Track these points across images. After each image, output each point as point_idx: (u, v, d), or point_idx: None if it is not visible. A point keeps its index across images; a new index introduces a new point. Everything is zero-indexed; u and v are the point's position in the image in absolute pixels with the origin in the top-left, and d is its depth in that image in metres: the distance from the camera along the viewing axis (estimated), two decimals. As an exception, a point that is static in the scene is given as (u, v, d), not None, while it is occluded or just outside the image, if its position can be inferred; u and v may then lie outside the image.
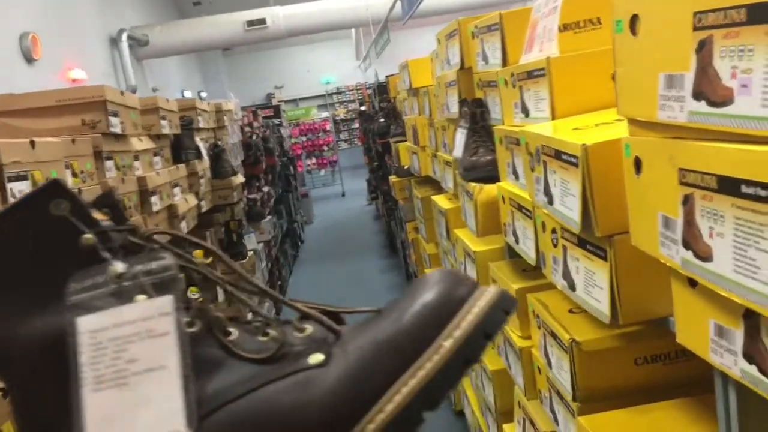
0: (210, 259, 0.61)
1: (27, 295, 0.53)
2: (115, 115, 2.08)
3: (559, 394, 1.48)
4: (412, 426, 0.52)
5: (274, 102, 14.62)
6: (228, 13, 10.18)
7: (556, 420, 1.55)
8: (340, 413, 0.51)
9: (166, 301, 0.52)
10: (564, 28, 1.45)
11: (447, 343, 0.52)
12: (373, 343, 0.53)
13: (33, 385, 0.52)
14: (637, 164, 0.89)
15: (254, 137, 6.09)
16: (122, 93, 2.21)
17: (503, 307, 0.54)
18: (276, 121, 9.60)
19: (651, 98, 0.82)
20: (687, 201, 0.77)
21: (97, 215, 0.55)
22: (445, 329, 0.52)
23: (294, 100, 18.25)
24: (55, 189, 0.53)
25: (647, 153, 0.86)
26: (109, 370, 0.51)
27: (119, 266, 0.52)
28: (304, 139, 15.72)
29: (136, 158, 2.35)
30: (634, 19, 0.85)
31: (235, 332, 0.56)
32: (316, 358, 0.54)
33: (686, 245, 0.78)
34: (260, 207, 5.72)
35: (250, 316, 0.60)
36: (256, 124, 6.99)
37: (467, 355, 0.52)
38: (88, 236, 0.53)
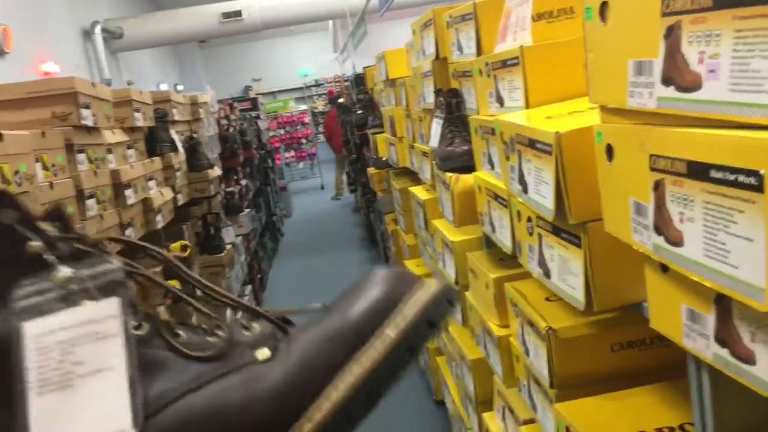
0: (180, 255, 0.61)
1: None
2: (87, 107, 2.05)
3: (537, 381, 1.49)
4: (360, 413, 0.53)
5: (252, 94, 14.53)
6: (203, 5, 10.07)
7: (534, 407, 1.56)
8: (288, 403, 0.52)
9: (113, 304, 0.53)
10: (537, 17, 1.45)
11: (391, 332, 0.54)
12: (317, 336, 0.55)
13: None
14: (609, 151, 0.89)
15: (231, 130, 6.04)
16: (94, 85, 2.17)
17: (447, 297, 0.57)
18: (253, 114, 9.54)
19: (621, 85, 0.82)
20: (658, 187, 0.77)
21: (46, 226, 0.55)
22: (389, 319, 0.54)
23: (272, 93, 18.15)
24: (3, 199, 0.54)
25: (618, 140, 0.86)
26: (55, 373, 0.51)
27: (66, 271, 0.53)
28: (282, 131, 15.64)
29: (110, 151, 2.32)
30: (604, 6, 0.85)
31: (183, 334, 0.57)
32: (263, 353, 0.55)
33: (657, 231, 0.79)
34: (238, 200, 5.68)
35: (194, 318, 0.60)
36: (233, 117, 6.94)
37: (411, 342, 0.54)
38: (34, 243, 0.53)
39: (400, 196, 3.80)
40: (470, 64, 1.78)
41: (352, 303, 0.56)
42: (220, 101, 7.01)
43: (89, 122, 2.07)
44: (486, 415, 2.06)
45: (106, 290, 0.53)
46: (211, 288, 0.61)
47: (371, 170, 5.17)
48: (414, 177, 3.43)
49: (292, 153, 15.77)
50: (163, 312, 0.57)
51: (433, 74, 2.23)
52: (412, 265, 3.67)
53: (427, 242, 2.96)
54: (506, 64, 1.44)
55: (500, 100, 1.53)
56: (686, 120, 0.71)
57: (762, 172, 0.59)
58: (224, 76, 17.37)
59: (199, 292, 0.60)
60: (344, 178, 11.79)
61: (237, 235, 5.10)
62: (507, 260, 1.83)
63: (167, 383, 0.53)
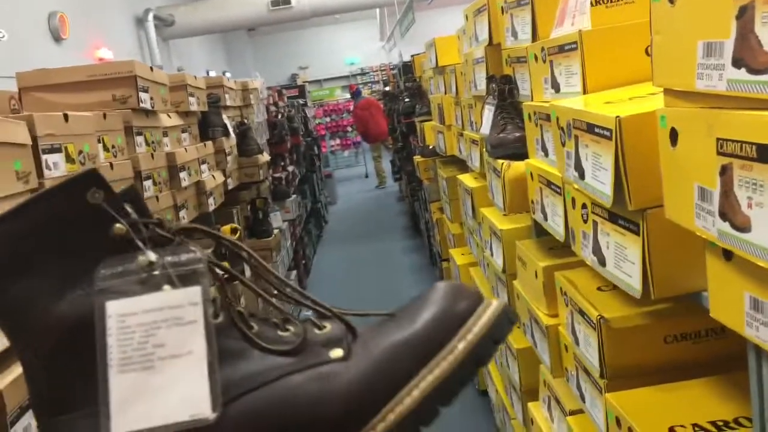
0: (237, 235, 0.64)
1: (59, 276, 0.55)
2: (145, 90, 2.10)
3: (586, 371, 1.47)
4: (428, 418, 0.56)
5: (299, 82, 14.63)
6: (253, -8, 10.17)
7: (582, 398, 1.55)
8: (363, 403, 0.55)
9: (196, 292, 0.55)
10: (596, 2, 1.43)
11: (460, 345, 0.57)
12: (390, 344, 0.57)
13: (55, 362, 0.54)
14: (673, 136, 0.87)
15: (279, 116, 6.10)
16: (151, 69, 2.22)
17: (509, 318, 0.60)
18: (301, 101, 9.61)
19: (689, 67, 0.80)
20: (725, 171, 0.76)
21: (129, 208, 0.57)
22: (457, 334, 0.58)
23: (318, 81, 18.23)
24: (92, 178, 0.56)
25: (684, 124, 0.85)
26: (136, 353, 0.53)
27: (150, 255, 0.55)
28: (327, 119, 15.73)
29: (165, 134, 2.37)
30: (673, -13, 0.84)
31: (256, 326, 0.59)
32: (337, 353, 0.58)
33: (723, 216, 0.77)
34: (285, 186, 5.74)
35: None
36: (281, 104, 7.00)
37: (479, 356, 0.57)
38: (120, 226, 0.55)
39: (446, 185, 3.79)
40: (525, 50, 1.76)
41: (420, 314, 0.59)
42: (268, 88, 7.09)
43: (147, 105, 2.12)
44: (531, 405, 2.05)
45: (187, 278, 0.55)
46: (290, 286, 0.63)
47: (418, 158, 5.16)
48: (461, 165, 3.41)
49: (338, 141, 15.84)
50: (236, 304, 0.59)
51: (486, 60, 2.22)
52: (456, 254, 3.66)
53: (474, 231, 2.95)
54: (564, 49, 1.42)
55: (556, 86, 1.51)
56: (756, 103, 0.70)
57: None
58: (271, 63, 17.51)
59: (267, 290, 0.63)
60: (384, 166, 11.74)
61: (283, 221, 5.16)
62: (556, 249, 1.82)
63: (243, 372, 0.55)
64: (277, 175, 5.68)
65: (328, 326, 0.60)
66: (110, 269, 0.54)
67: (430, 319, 0.58)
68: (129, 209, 0.56)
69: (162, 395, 0.52)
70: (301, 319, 0.61)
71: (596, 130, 1.09)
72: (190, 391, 0.52)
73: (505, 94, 1.97)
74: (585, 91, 1.37)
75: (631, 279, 1.11)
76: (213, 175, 2.94)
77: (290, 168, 6.37)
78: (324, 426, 0.55)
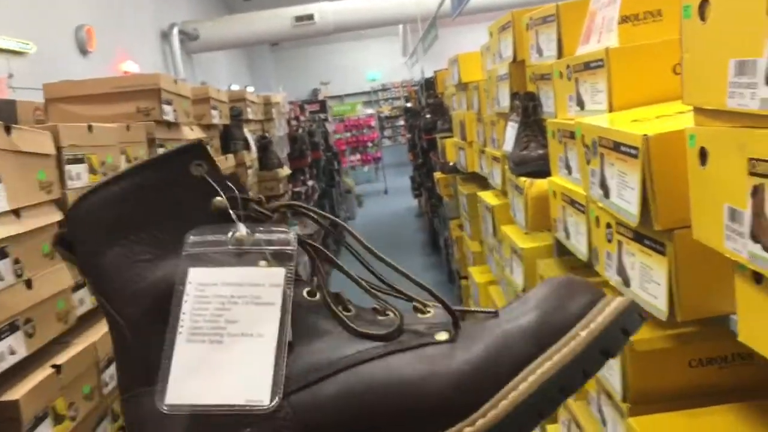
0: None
1: (156, 243, 0.55)
2: (169, 103, 2.11)
3: (608, 394, 1.44)
4: (545, 409, 0.50)
5: (320, 97, 14.72)
6: (277, 8, 10.27)
7: (603, 422, 1.51)
8: (474, 386, 0.50)
9: (279, 273, 0.53)
10: (623, 20, 1.42)
11: (583, 333, 0.51)
12: (503, 331, 0.52)
13: (144, 328, 0.53)
14: (702, 155, 0.85)
15: (300, 131, 6.14)
16: (176, 81, 2.24)
17: (638, 311, 0.54)
18: (322, 116, 9.67)
19: (720, 86, 0.79)
20: (756, 192, 0.74)
21: (230, 184, 0.57)
22: (579, 324, 0.52)
23: (339, 96, 18.34)
24: (198, 150, 0.56)
25: (714, 143, 0.83)
26: (208, 324, 0.52)
27: (243, 230, 0.54)
28: (348, 135, 15.79)
29: (187, 147, 2.38)
30: (704, 4, 0.82)
31: (354, 309, 0.57)
32: (442, 335, 0.54)
33: (755, 238, 0.75)
34: (305, 200, 5.76)
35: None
36: (302, 118, 7.04)
37: (605, 345, 0.51)
38: (221, 199, 0.55)
39: (467, 202, 3.77)
40: (550, 67, 1.75)
41: (532, 306, 0.53)
42: (290, 103, 7.14)
43: (170, 118, 2.13)
44: (550, 428, 2.02)
45: (276, 258, 0.54)
46: (393, 266, 0.60)
47: (438, 174, 5.16)
48: (482, 182, 3.40)
49: (358, 156, 15.89)
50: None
51: (510, 77, 2.21)
52: (476, 272, 3.63)
53: (494, 249, 2.92)
54: (590, 66, 1.41)
55: (581, 104, 1.50)
56: (791, 123, 0.68)
57: None
58: (294, 78, 17.65)
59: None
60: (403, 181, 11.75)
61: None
62: (578, 269, 1.79)
63: (337, 353, 0.52)
64: (296, 189, 5.70)
65: (432, 311, 0.57)
66: (200, 237, 0.54)
67: (546, 310, 0.52)
68: (230, 185, 0.56)
69: (222, 373, 0.50)
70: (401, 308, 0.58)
71: (622, 148, 1.07)
72: (252, 374, 0.50)
73: (528, 111, 1.96)
74: (611, 109, 1.35)
75: (657, 300, 1.08)
76: (234, 188, 2.94)
77: (310, 182, 6.40)
78: (428, 411, 0.50)
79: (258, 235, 0.54)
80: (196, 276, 0.53)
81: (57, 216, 1.26)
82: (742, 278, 0.83)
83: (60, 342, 1.27)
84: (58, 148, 1.34)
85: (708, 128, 0.84)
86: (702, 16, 0.82)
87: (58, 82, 2.08)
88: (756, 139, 0.74)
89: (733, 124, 0.79)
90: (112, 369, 1.22)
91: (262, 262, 0.53)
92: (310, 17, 10.00)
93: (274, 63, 17.77)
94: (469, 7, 6.42)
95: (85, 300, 1.39)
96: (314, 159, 7.16)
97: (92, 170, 1.47)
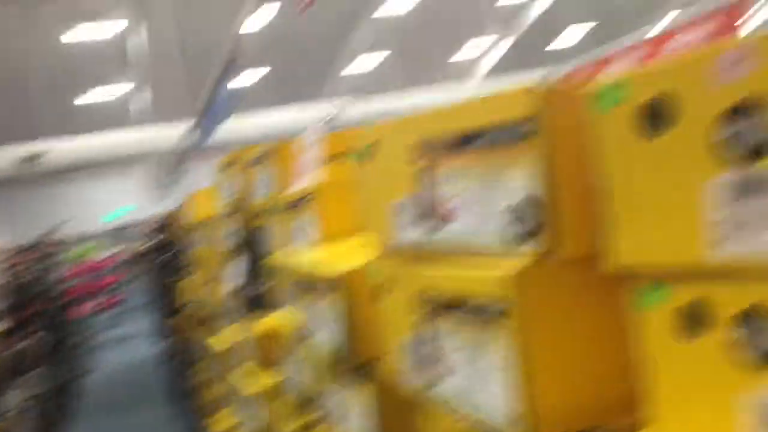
0: None
1: None
2: None
3: None
4: None
5: (54, 239, 13.56)
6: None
7: None
8: None
9: None
10: (329, 159, 1.50)
11: None
12: None
13: None
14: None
15: (22, 281, 5.54)
16: None
17: None
18: (52, 261, 8.87)
19: (386, 223, 0.83)
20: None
21: None
22: None
23: (77, 237, 17.08)
24: None
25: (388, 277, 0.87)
26: None
27: None
28: (85, 278, 14.63)
29: None
30: (369, 149, 0.88)
31: None
32: None
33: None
34: (32, 357, 5.10)
35: None
36: (25, 266, 6.39)
37: None
38: None
39: (204, 344, 3.61)
40: (269, 204, 1.78)
41: None
42: (18, 249, 6.45)
43: None
44: None
45: None
46: None
47: (177, 317, 4.92)
48: (219, 321, 3.29)
49: (97, 301, 14.71)
50: None
51: (234, 214, 2.21)
52: (223, 415, 3.42)
53: (232, 392, 2.80)
54: (297, 204, 1.45)
55: (296, 238, 1.52)
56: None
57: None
58: (21, 219, 16.13)
59: None
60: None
61: (25, 399, 4.53)
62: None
63: None
64: (19, 345, 5.04)
65: None
66: None
67: None
68: None
69: None
70: None
71: (319, 287, 1.09)
72: None
73: (253, 247, 1.96)
74: (321, 242, 1.39)
75: None
76: None
77: (36, 336, 5.71)
78: None
79: None
80: None
81: None
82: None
83: None
84: None
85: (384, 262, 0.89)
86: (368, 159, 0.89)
87: None
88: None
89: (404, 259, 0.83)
90: None
91: None
92: (36, 156, 9.36)
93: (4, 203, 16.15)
94: (216, 142, 6.50)
95: None
96: (43, 309, 6.45)
97: None
